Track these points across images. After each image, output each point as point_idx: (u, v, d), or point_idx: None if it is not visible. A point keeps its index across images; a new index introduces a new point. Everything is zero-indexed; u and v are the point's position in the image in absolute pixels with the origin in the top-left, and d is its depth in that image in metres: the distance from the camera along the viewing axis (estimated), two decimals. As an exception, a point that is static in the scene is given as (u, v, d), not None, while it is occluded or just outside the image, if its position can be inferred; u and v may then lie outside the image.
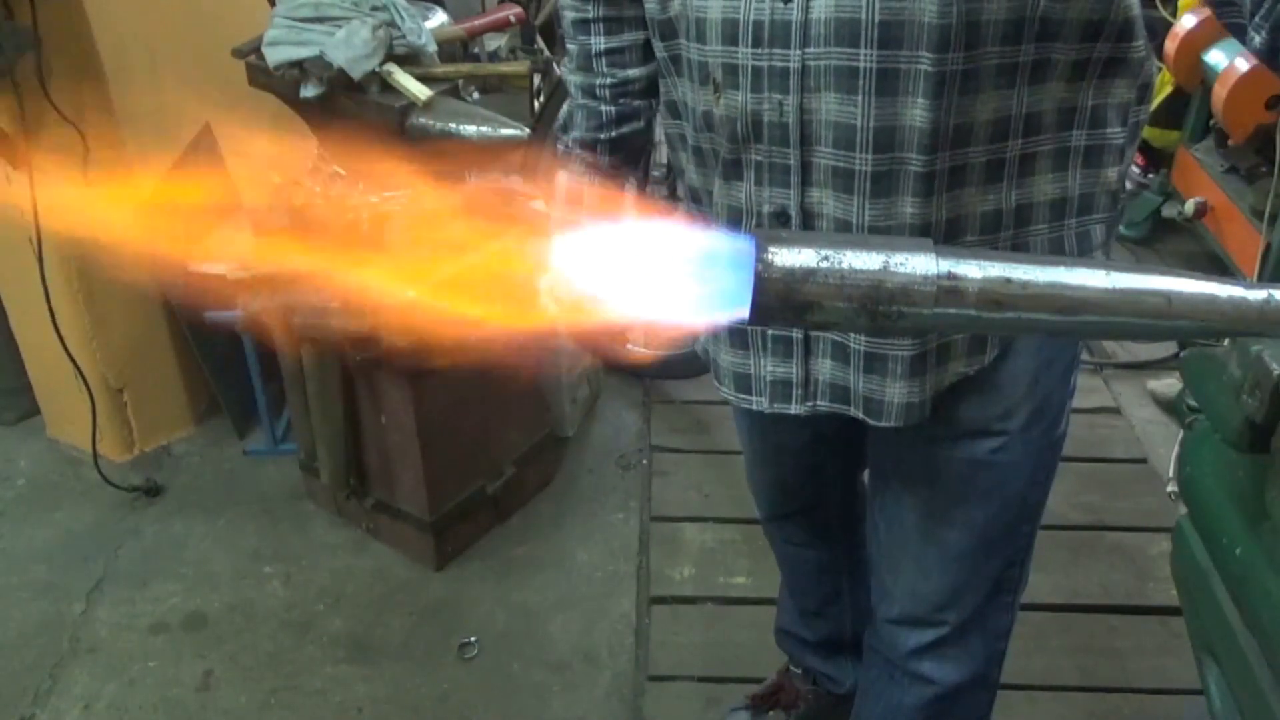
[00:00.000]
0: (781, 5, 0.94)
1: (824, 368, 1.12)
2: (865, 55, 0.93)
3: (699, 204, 1.18)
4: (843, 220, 1.01)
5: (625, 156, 1.28)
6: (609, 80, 1.21)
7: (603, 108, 1.23)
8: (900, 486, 1.25)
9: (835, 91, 0.96)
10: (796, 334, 1.12)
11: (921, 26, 0.91)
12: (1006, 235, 1.04)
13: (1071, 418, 1.25)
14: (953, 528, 1.23)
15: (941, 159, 0.97)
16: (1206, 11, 2.84)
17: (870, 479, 1.35)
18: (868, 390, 1.10)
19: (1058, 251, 1.07)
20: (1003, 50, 0.94)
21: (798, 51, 0.95)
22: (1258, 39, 2.67)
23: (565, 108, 1.29)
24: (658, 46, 1.11)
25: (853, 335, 1.08)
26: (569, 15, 1.22)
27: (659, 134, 1.33)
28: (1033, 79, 0.97)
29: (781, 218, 1.04)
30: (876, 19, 0.91)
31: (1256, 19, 2.69)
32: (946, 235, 1.02)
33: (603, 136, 1.25)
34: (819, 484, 1.52)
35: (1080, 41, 0.97)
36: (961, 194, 1.01)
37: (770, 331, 1.13)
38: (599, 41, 1.20)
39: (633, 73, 1.21)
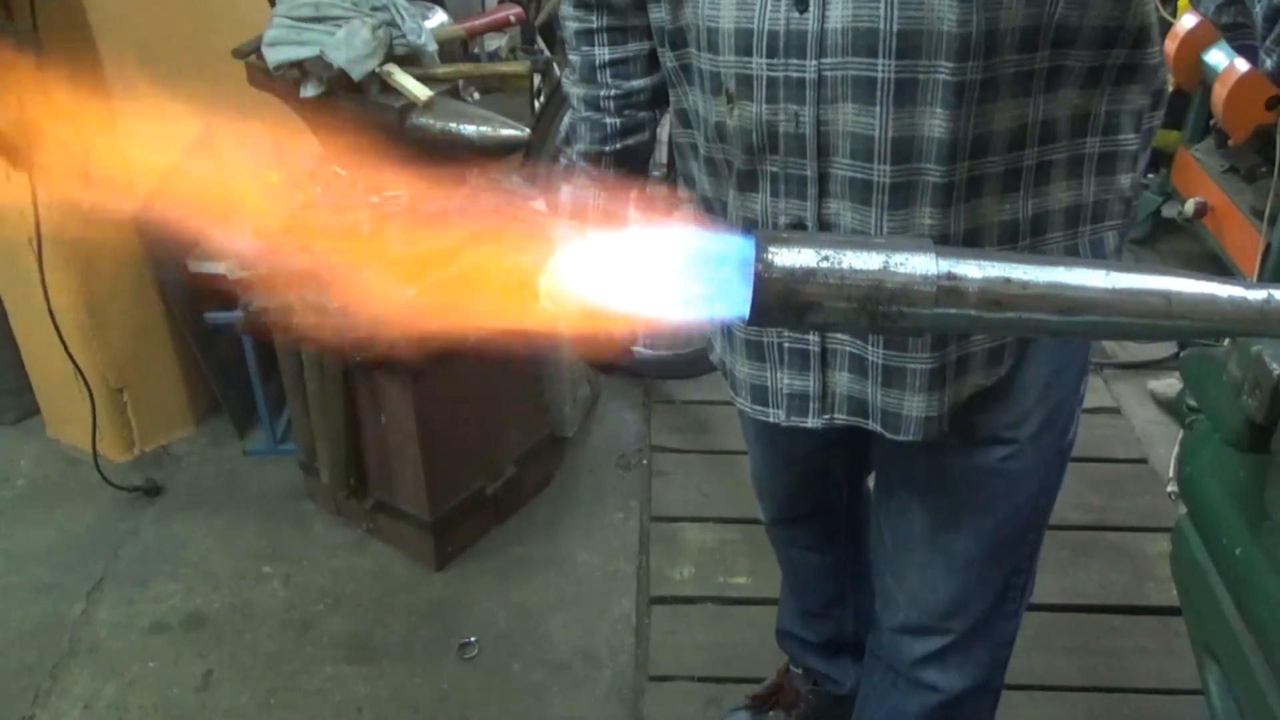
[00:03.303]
0: (797, 15, 0.93)
1: (841, 380, 1.11)
2: (883, 65, 0.91)
3: (711, 213, 1.16)
4: (860, 232, 1.00)
5: (630, 168, 1.26)
6: (613, 92, 1.20)
7: (607, 120, 1.21)
8: (907, 494, 1.24)
9: (853, 102, 0.94)
10: (814, 346, 1.10)
11: (940, 36, 0.89)
12: (1023, 245, 1.03)
13: (1073, 420, 1.25)
14: (959, 536, 1.22)
15: (960, 169, 0.96)
16: (1206, 12, 2.84)
17: (876, 485, 1.33)
18: (886, 404, 1.09)
19: None
20: (1019, 58, 0.93)
21: (814, 61, 0.94)
22: (1269, 62, 2.67)
23: (567, 120, 1.28)
24: (667, 56, 1.10)
25: (870, 347, 1.07)
26: (571, 26, 1.20)
27: (660, 134, 1.32)
28: (1048, 86, 0.96)
29: (798, 229, 1.03)
30: (895, 28, 0.90)
31: (1268, 42, 2.69)
32: (965, 246, 1.01)
33: (607, 149, 1.23)
34: (825, 489, 1.52)
35: (1096, 48, 0.97)
36: (979, 204, 1.00)
37: (787, 344, 1.11)
38: (603, 53, 1.18)
39: (637, 84, 1.20)
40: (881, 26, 0.90)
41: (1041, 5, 0.91)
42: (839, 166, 0.98)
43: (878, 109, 0.94)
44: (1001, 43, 0.91)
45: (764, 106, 0.98)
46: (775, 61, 0.95)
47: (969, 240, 1.01)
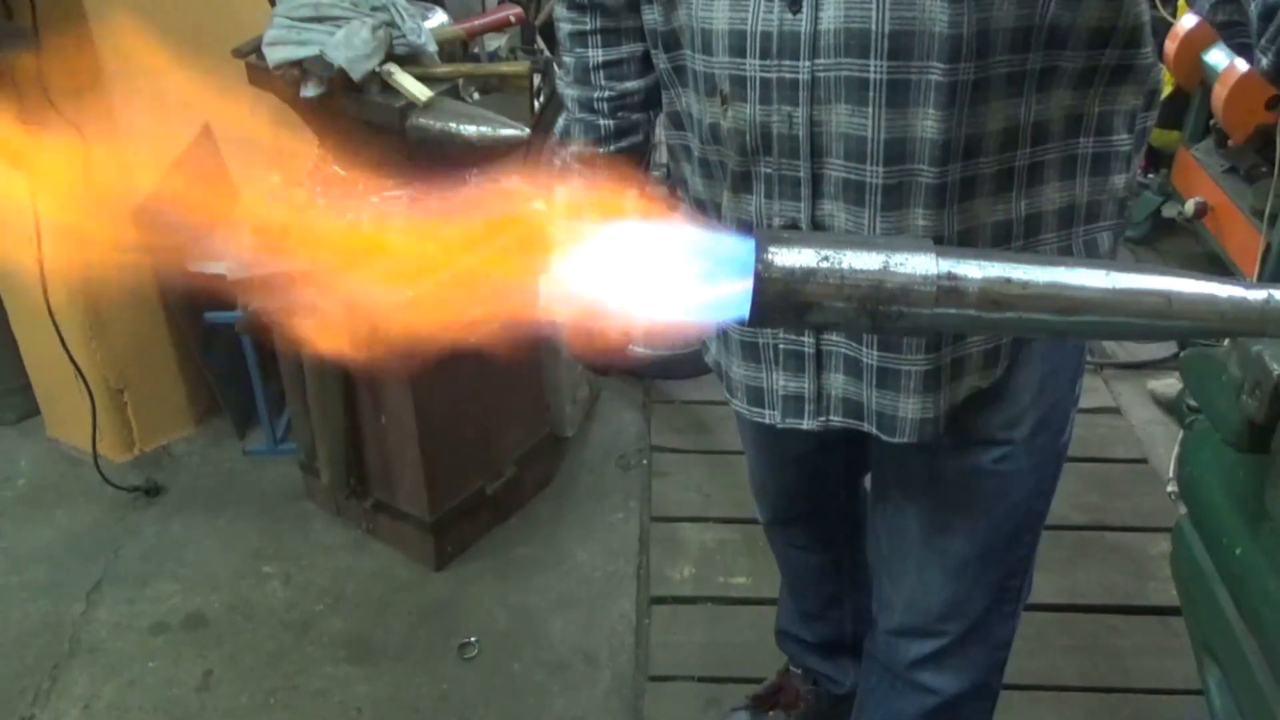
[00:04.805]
0: (790, 16, 0.93)
1: (836, 382, 1.11)
2: (876, 66, 0.92)
3: (705, 215, 1.16)
4: (854, 234, 1.00)
5: (624, 169, 1.26)
6: (607, 93, 1.20)
7: (601, 121, 1.21)
8: (902, 496, 1.24)
9: (846, 103, 0.94)
10: (808, 348, 1.10)
11: (932, 36, 0.89)
12: (1017, 246, 1.03)
13: (1072, 420, 1.25)
14: (955, 537, 1.22)
15: (953, 170, 0.96)
16: (1206, 12, 2.84)
17: (871, 487, 1.33)
18: (880, 406, 1.09)
19: None
20: (1012, 59, 0.93)
21: (807, 62, 0.94)
22: (1265, 60, 2.66)
23: (562, 121, 1.28)
24: (660, 58, 1.09)
25: (864, 349, 1.07)
26: (565, 28, 1.20)
27: (659, 134, 1.31)
28: (1041, 87, 0.96)
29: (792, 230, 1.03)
30: (887, 29, 0.90)
31: (1263, 41, 2.68)
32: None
33: (601, 151, 1.23)
34: (822, 490, 1.52)
35: (1088, 49, 0.97)
36: (973, 205, 1.00)
37: (781, 345, 1.11)
38: (597, 54, 1.18)
39: (631, 85, 1.20)
40: (874, 28, 0.90)
41: (1033, 6, 0.91)
42: (832, 168, 0.98)
43: (870, 110, 0.94)
44: (993, 43, 0.91)
45: (758, 108, 0.98)
46: (769, 62, 0.95)
47: (963, 241, 1.01)
